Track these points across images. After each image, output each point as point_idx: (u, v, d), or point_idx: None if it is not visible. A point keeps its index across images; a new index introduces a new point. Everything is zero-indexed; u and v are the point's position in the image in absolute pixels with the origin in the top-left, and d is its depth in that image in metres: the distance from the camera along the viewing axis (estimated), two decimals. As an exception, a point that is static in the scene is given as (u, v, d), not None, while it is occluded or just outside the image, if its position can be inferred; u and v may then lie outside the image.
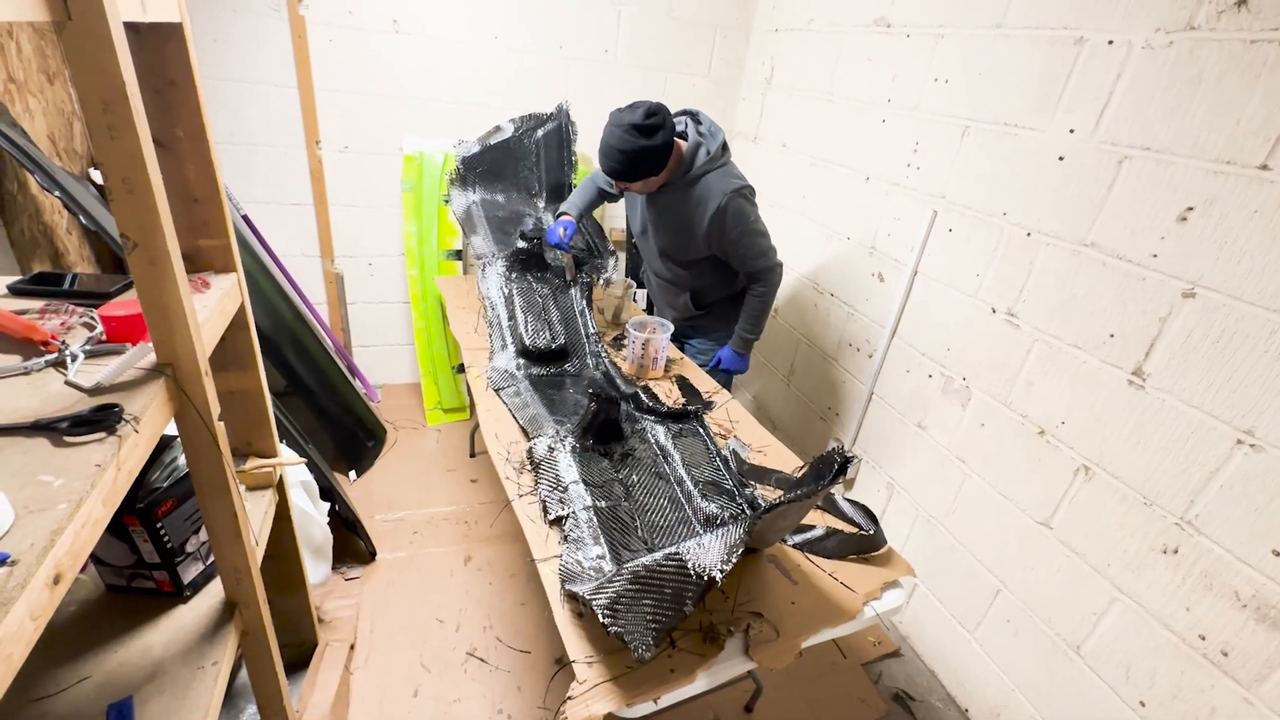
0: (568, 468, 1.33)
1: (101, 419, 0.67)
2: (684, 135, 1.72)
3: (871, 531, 1.29)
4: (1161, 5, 1.21)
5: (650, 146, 1.56)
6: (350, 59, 2.23)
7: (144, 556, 0.98)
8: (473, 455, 2.54)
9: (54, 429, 0.66)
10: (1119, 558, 1.34)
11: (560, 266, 1.99)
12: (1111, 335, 1.34)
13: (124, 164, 0.70)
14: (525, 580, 1.98)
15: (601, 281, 2.05)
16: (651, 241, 1.91)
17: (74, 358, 0.78)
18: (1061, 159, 1.42)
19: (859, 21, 2.02)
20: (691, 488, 1.35)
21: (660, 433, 1.51)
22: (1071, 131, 1.39)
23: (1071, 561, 1.44)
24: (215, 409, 0.88)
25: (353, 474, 2.34)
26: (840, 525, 1.32)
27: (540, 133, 2.25)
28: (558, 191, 2.30)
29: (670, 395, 1.75)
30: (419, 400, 2.81)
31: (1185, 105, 1.18)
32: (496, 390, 1.66)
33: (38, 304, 0.91)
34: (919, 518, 1.90)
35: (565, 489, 1.28)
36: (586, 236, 2.15)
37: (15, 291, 0.96)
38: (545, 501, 1.27)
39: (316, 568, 1.70)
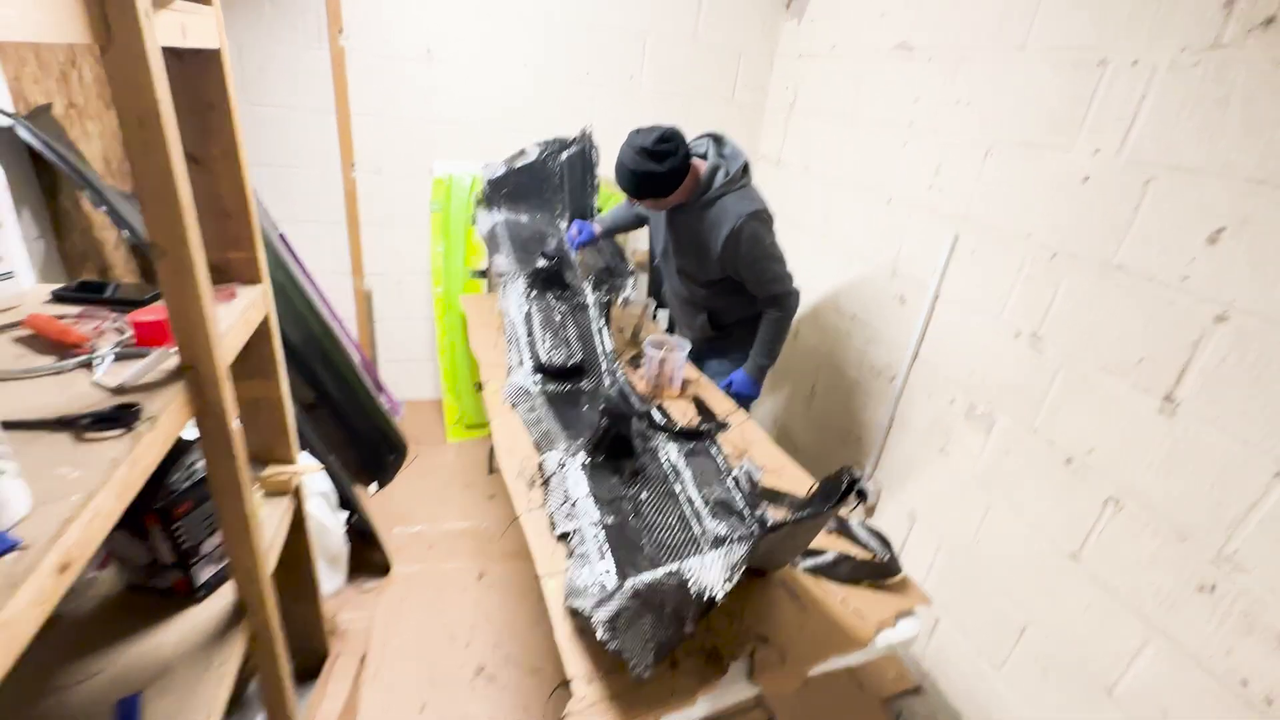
0: (577, 483, 1.33)
1: (120, 417, 0.70)
2: (704, 156, 1.74)
3: (886, 557, 1.25)
4: (1186, 25, 1.19)
5: (657, 172, 1.60)
6: (386, 86, 2.33)
7: (161, 556, 1.01)
8: (491, 472, 2.56)
9: (76, 425, 0.69)
10: (1152, 595, 1.27)
11: (558, 247, 2.06)
12: (1140, 360, 1.29)
13: (156, 177, 0.74)
14: (538, 599, 1.97)
15: (620, 301, 2.07)
16: (671, 260, 1.93)
17: (102, 360, 0.82)
18: (1086, 180, 1.39)
19: (881, 46, 2.03)
20: (701, 507, 1.34)
21: (672, 451, 1.51)
22: (1096, 152, 1.37)
23: (1102, 597, 1.37)
24: (233, 412, 0.91)
25: (374, 486, 2.37)
26: (854, 550, 1.29)
27: (564, 156, 2.30)
28: (580, 213, 2.34)
29: (686, 415, 1.75)
30: (441, 416, 2.85)
31: (1214, 124, 1.15)
32: (512, 406, 1.68)
33: (75, 310, 0.96)
34: (942, 548, 1.83)
35: (574, 504, 1.28)
36: (606, 257, 2.18)
37: (58, 298, 1.02)
38: (553, 516, 1.27)
39: (331, 577, 1.73)
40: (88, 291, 1.06)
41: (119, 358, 0.84)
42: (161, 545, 1.00)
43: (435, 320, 2.71)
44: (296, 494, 1.37)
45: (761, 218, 1.71)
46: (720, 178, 1.70)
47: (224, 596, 1.09)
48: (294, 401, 1.96)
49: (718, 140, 1.78)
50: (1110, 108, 1.34)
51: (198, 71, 0.98)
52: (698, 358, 2.11)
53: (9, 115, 1.16)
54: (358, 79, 2.29)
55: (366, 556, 2.01)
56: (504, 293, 2.01)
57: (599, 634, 0.92)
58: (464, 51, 2.36)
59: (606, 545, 1.18)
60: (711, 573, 0.91)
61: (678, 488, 1.40)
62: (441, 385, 2.78)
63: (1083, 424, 1.41)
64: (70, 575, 0.59)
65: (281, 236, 2.38)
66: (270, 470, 1.30)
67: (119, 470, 0.67)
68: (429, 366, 2.92)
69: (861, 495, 2.18)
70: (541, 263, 1.99)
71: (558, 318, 1.94)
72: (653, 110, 2.63)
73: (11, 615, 0.50)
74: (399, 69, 2.32)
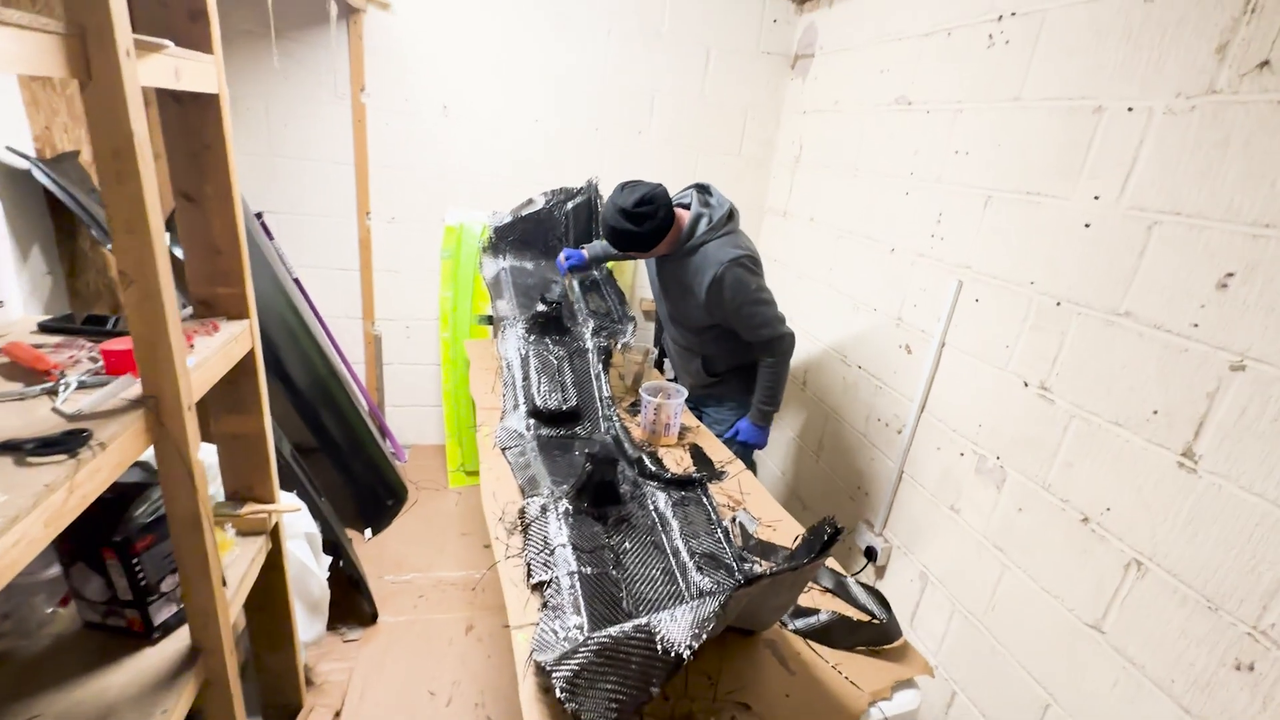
0: (558, 530, 1.28)
1: (66, 442, 0.70)
2: (688, 206, 1.77)
3: (884, 620, 1.16)
4: (1180, 71, 1.17)
5: (635, 231, 1.65)
6: (403, 139, 2.44)
7: (118, 593, 0.98)
8: (489, 520, 2.50)
9: (20, 449, 0.68)
10: (1184, 672, 1.15)
11: (562, 293, 2.13)
12: (1155, 412, 1.21)
13: (127, 207, 0.76)
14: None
15: (620, 346, 2.05)
16: (663, 306, 1.94)
17: (66, 386, 0.82)
18: (1088, 226, 1.35)
19: (881, 101, 2.06)
20: (687, 559, 1.27)
21: (661, 499, 1.45)
22: (1096, 198, 1.34)
23: (1129, 674, 1.25)
24: (195, 444, 0.90)
25: (368, 532, 2.33)
26: (850, 611, 1.20)
27: (570, 205, 2.35)
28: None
29: (682, 463, 1.69)
30: (445, 462, 2.82)
31: (1214, 168, 1.12)
32: (503, 449, 1.65)
33: (56, 339, 0.98)
34: (955, 613, 1.71)
35: (552, 552, 1.22)
36: (609, 303, 2.19)
37: (44, 328, 1.04)
38: (530, 564, 1.21)
39: (311, 625, 1.67)
40: (93, 325, 1.08)
41: (83, 385, 0.84)
42: (119, 581, 0.97)
43: (441, 365, 2.72)
44: (275, 534, 1.34)
45: (744, 263, 1.70)
46: (703, 225, 1.72)
47: (181, 639, 1.05)
48: (292, 442, 1.97)
49: (703, 190, 1.81)
50: (1108, 154, 1.31)
51: (196, 114, 1.02)
52: (697, 405, 2.07)
53: (27, 159, 1.22)
54: (377, 133, 2.40)
55: (353, 604, 1.95)
56: (503, 337, 2.01)
57: (558, 692, 0.85)
58: (479, 107, 2.46)
59: (581, 597, 1.12)
60: (678, 628, 0.85)
61: (664, 538, 1.34)
62: (445, 430, 2.77)
63: (1098, 480, 1.33)
64: (-23, 603, 0.56)
65: (296, 281, 2.45)
66: (248, 509, 1.28)
67: (53, 496, 0.65)
68: (435, 411, 2.92)
69: (870, 554, 2.07)
70: (541, 307, 2.00)
71: (555, 362, 1.93)
72: (661, 164, 2.69)
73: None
74: (416, 124, 2.43)
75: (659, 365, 2.56)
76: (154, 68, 0.82)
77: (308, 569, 1.62)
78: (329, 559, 1.73)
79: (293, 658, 1.50)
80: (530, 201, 2.37)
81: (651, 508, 1.43)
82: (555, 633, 1.05)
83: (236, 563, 1.19)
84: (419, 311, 2.72)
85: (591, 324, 2.07)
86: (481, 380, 2.07)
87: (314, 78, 2.28)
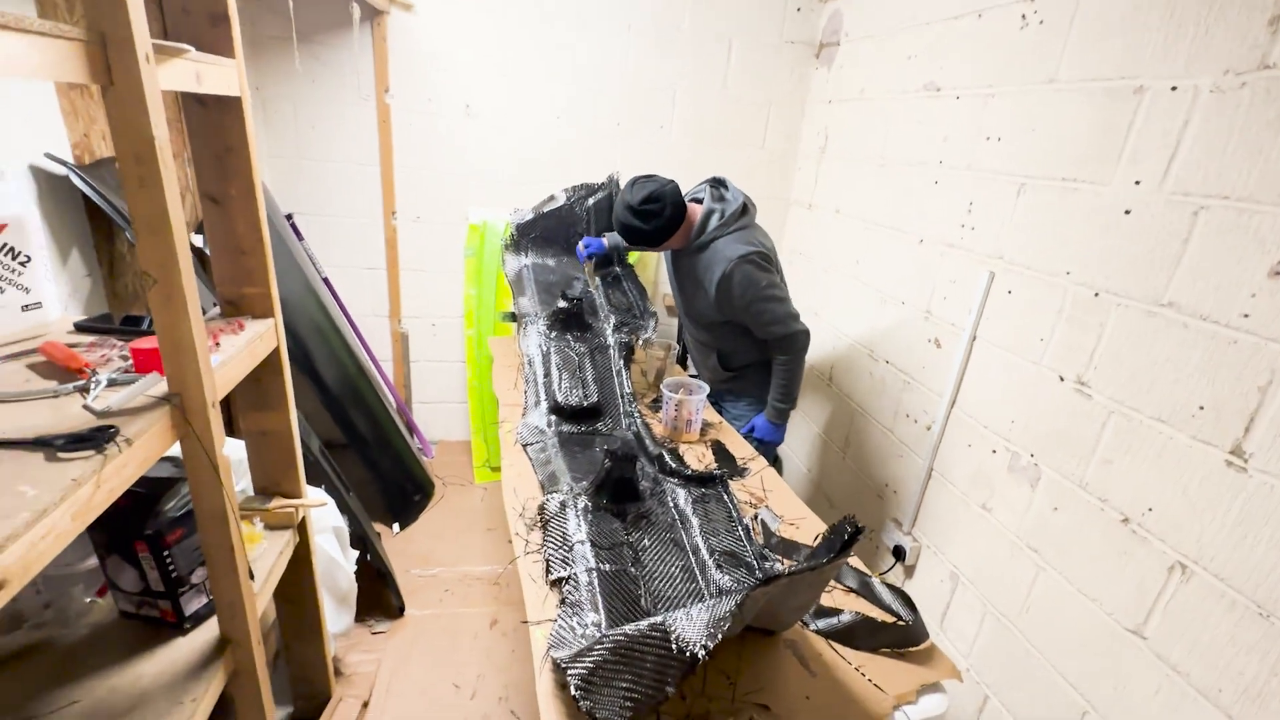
0: (576, 527, 1.28)
1: (94, 438, 0.72)
2: (701, 200, 1.75)
3: (910, 621, 1.13)
4: (1229, 47, 1.11)
5: (642, 228, 1.65)
6: (427, 139, 2.46)
7: (151, 584, 1.01)
8: (514, 515, 2.52)
9: (51, 445, 0.71)
10: (1232, 681, 1.09)
11: (583, 290, 2.17)
12: (1201, 407, 1.15)
13: (150, 209, 0.77)
14: (548, 650, 1.88)
15: (641, 342, 2.04)
16: (680, 302, 1.94)
17: (97, 384, 0.85)
18: (1128, 213, 1.29)
19: (909, 88, 2.00)
20: (706, 557, 1.25)
21: (681, 496, 1.44)
22: (1137, 183, 1.27)
23: (1172, 682, 1.19)
24: (220, 440, 0.92)
25: (396, 526, 2.38)
26: (875, 612, 1.17)
27: (591, 201, 2.35)
28: (606, 257, 2.36)
29: (704, 460, 1.68)
30: (470, 457, 2.86)
31: (1266, 149, 1.05)
32: (524, 446, 1.65)
33: (90, 339, 1.01)
34: (988, 615, 1.66)
35: (570, 548, 1.22)
36: (631, 299, 2.18)
37: (79, 328, 1.08)
38: (549, 560, 1.21)
39: (339, 617, 1.71)
40: (129, 325, 1.12)
41: (113, 383, 0.86)
42: (151, 572, 1.01)
43: (466, 362, 2.75)
44: (302, 528, 1.37)
45: (754, 259, 1.67)
46: (714, 221, 1.70)
47: (211, 629, 1.08)
48: (321, 439, 2.01)
49: (717, 184, 1.79)
50: (1150, 137, 1.25)
51: (219, 116, 1.05)
52: (716, 400, 2.05)
53: (65, 165, 1.27)
54: (401, 133, 2.44)
55: (382, 597, 1.99)
56: (524, 333, 2.02)
57: (571, 690, 0.85)
58: (500, 106, 2.47)
59: (599, 594, 1.11)
60: (694, 628, 0.84)
61: (684, 535, 1.33)
62: (470, 427, 2.80)
63: (1139, 479, 1.27)
64: (7, 593, 0.58)
65: (326, 280, 2.50)
66: (275, 503, 1.31)
67: (80, 490, 0.67)
68: (461, 408, 2.95)
69: (899, 553, 2.02)
70: (562, 304, 2.00)
71: (576, 358, 1.93)
72: (683, 158, 2.66)
73: (-72, 631, 0.49)
74: (439, 123, 2.45)
75: (681, 361, 2.55)
76: (175, 72, 0.84)
77: (336, 562, 1.65)
78: (357, 553, 1.77)
79: (322, 649, 1.53)
80: (552, 198, 2.37)
81: (671, 504, 1.42)
82: (572, 629, 1.05)
83: (264, 556, 1.22)
84: (444, 309, 2.75)
85: (613, 320, 2.06)
86: (504, 377, 2.08)
87: (339, 80, 2.32)
